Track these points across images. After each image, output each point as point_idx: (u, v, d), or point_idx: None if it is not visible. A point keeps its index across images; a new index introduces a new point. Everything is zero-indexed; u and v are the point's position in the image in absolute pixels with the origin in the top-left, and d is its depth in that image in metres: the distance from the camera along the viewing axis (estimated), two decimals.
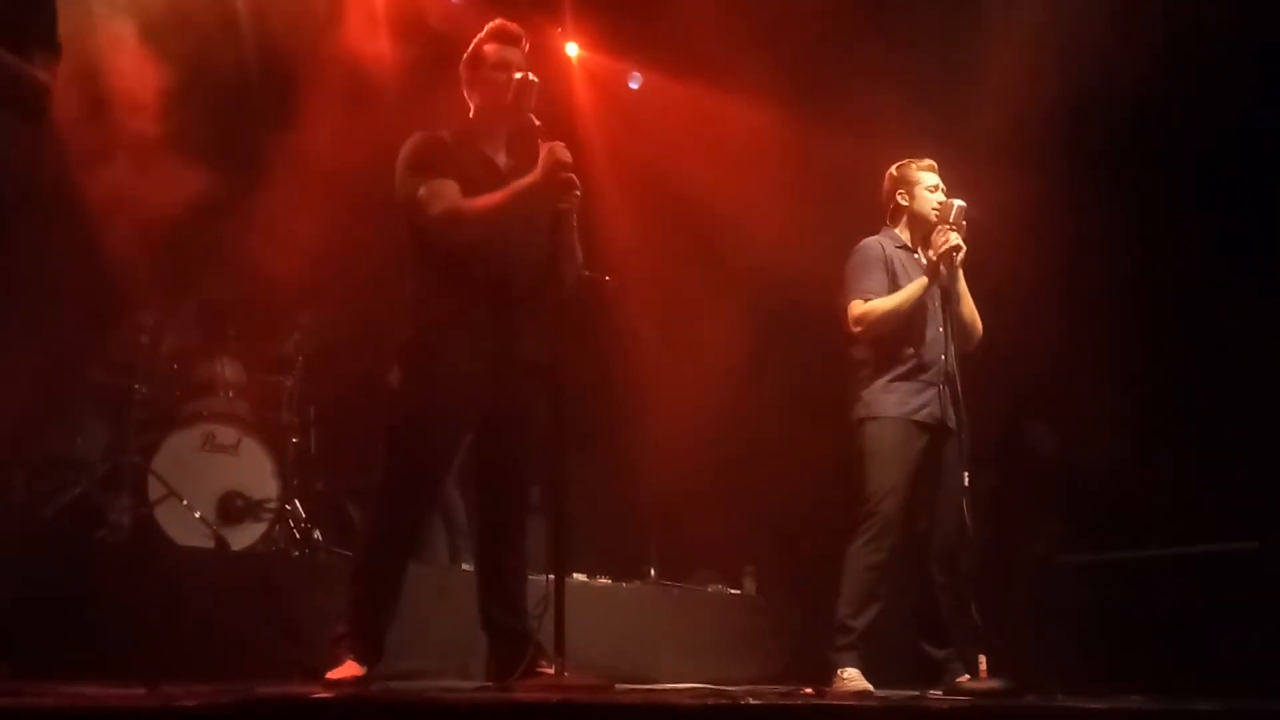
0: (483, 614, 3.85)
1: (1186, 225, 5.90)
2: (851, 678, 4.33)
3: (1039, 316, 5.99)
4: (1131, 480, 5.72)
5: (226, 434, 5.43)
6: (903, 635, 4.57)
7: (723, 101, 6.84)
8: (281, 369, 5.99)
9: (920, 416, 4.52)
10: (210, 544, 5.11)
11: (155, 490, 5.16)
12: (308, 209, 5.64)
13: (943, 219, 4.62)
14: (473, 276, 3.79)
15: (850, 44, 6.40)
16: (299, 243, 5.51)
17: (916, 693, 4.41)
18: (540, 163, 3.71)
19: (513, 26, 4.00)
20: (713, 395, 6.78)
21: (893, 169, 4.85)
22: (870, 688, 4.31)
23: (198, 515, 5.17)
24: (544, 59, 5.56)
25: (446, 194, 3.75)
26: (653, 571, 6.48)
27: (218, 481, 5.33)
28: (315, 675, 3.64)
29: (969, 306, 4.71)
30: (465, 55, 4.01)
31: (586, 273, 4.23)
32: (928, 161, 4.82)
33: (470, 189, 3.77)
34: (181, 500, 5.17)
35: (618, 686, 3.83)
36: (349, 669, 3.58)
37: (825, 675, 4.44)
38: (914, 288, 4.57)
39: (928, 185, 4.76)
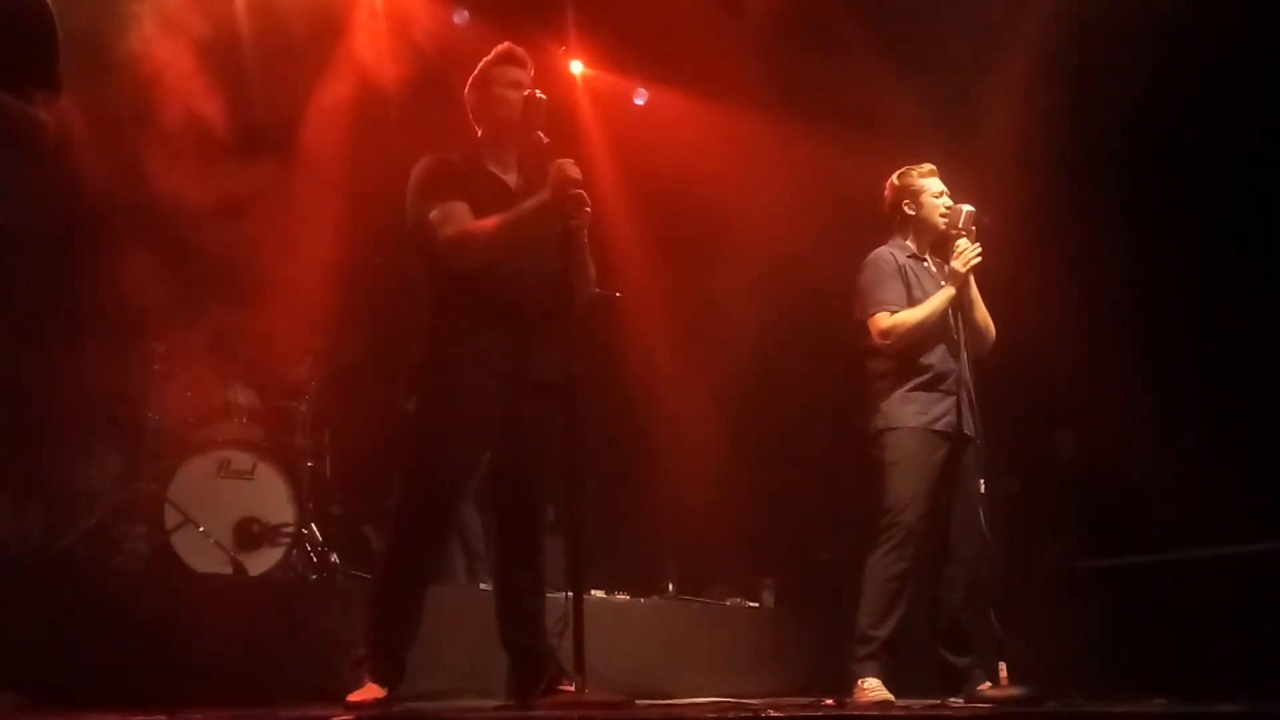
0: (502, 634, 3.85)
1: (1204, 227, 5.87)
2: (873, 688, 4.30)
3: (1054, 322, 5.96)
4: (1152, 483, 5.69)
5: (241, 460, 5.42)
6: (923, 644, 4.55)
7: (729, 115, 6.84)
8: (295, 394, 5.99)
9: (939, 426, 4.50)
10: (228, 570, 5.10)
11: (171, 518, 5.15)
12: (320, 233, 5.67)
13: (952, 225, 4.61)
14: (485, 298, 3.80)
15: (855, 56, 6.41)
16: (311, 267, 5.54)
17: (938, 701, 4.40)
18: (550, 180, 3.73)
19: (519, 50, 4.02)
20: (726, 408, 6.79)
21: (893, 178, 4.81)
22: (891, 698, 4.29)
23: (214, 541, 5.17)
24: (549, 78, 5.57)
25: (458, 216, 3.76)
26: (671, 586, 6.47)
27: (234, 507, 5.32)
28: (337, 698, 3.64)
29: (982, 312, 4.69)
30: (471, 78, 4.03)
31: (598, 290, 4.23)
32: (928, 167, 4.78)
33: (481, 210, 3.79)
34: (198, 527, 5.16)
35: (638, 703, 3.83)
36: (370, 691, 3.58)
37: (846, 686, 4.42)
38: (940, 299, 4.54)
39: (933, 192, 4.73)
